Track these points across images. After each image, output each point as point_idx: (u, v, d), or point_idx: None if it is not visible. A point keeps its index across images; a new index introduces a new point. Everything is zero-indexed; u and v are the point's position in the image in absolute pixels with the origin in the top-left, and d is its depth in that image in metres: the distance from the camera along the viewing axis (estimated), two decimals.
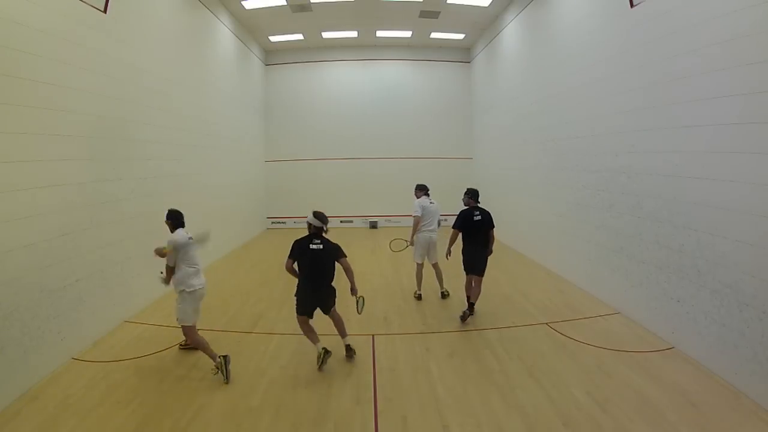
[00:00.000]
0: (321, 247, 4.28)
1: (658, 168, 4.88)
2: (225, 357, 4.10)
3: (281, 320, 5.55)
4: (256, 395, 3.84)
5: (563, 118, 7.35)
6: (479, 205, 5.57)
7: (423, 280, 6.44)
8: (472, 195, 5.60)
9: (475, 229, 5.42)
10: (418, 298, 6.39)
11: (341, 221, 13.57)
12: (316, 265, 4.27)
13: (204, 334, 5.06)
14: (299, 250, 4.27)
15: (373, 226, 13.47)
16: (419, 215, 6.22)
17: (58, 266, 4.43)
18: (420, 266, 6.41)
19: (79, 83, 4.84)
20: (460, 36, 12.39)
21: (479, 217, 5.42)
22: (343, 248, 4.41)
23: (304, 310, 4.31)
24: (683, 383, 3.86)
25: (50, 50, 4.39)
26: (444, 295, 6.36)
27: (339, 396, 3.83)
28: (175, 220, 4.41)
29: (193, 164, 8.04)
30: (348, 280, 4.45)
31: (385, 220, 13.59)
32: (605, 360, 4.36)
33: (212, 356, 4.13)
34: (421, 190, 6.43)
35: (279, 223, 13.59)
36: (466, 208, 5.55)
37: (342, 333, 4.51)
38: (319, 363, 4.25)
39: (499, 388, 3.90)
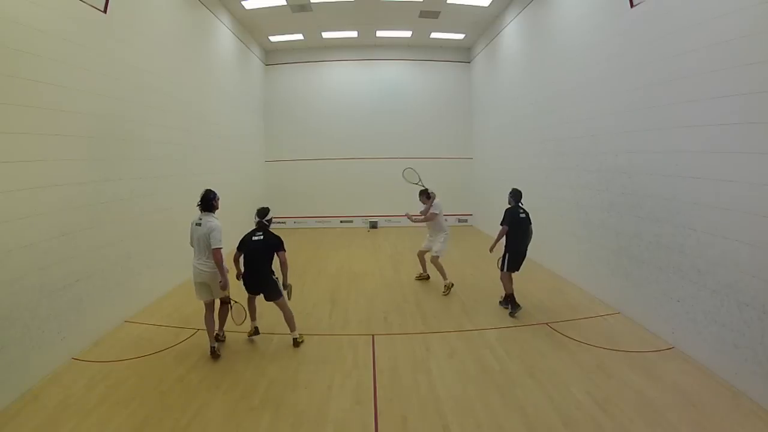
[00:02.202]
0: (261, 238, 4.71)
1: (658, 168, 4.88)
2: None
3: (281, 320, 5.53)
4: (256, 395, 3.84)
5: (563, 118, 7.35)
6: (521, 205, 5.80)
7: (425, 281, 6.76)
8: (515, 195, 5.80)
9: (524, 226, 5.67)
10: (449, 288, 6.62)
11: (341, 221, 13.58)
12: (252, 255, 4.69)
13: (203, 335, 5.09)
14: (243, 242, 4.76)
15: (373, 226, 13.47)
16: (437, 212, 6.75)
17: (58, 266, 4.43)
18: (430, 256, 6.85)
19: (79, 83, 4.83)
20: (460, 36, 12.38)
21: (524, 215, 5.67)
22: (284, 242, 4.74)
23: (247, 290, 4.88)
24: (683, 383, 3.86)
25: (50, 50, 4.39)
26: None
27: (339, 396, 3.83)
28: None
29: (193, 164, 8.03)
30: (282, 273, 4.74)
31: (385, 220, 13.58)
32: (605, 360, 4.36)
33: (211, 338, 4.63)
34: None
35: (279, 223, 13.58)
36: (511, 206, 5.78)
37: (290, 327, 4.89)
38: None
39: (499, 388, 3.90)
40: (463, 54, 13.53)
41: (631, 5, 5.32)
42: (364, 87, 13.55)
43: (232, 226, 10.55)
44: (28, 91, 4.09)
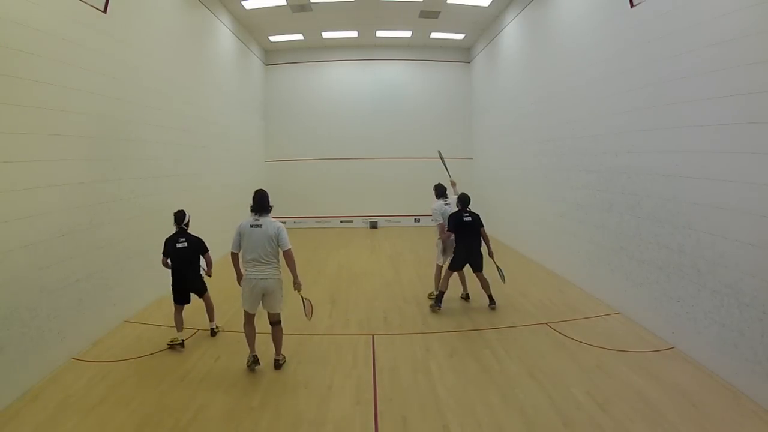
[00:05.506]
0: (186, 245, 4.84)
1: (658, 168, 4.88)
2: (254, 356, 4.26)
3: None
4: (256, 395, 3.84)
5: (563, 118, 7.35)
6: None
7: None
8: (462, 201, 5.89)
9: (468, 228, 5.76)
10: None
11: (341, 221, 13.58)
12: (181, 261, 4.84)
13: (204, 335, 5.10)
14: (168, 247, 4.85)
15: (373, 226, 13.47)
16: (440, 222, 5.95)
17: (58, 266, 4.42)
18: (438, 267, 6.09)
19: (79, 83, 4.83)
20: (460, 36, 12.38)
21: (469, 218, 5.76)
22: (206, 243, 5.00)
23: (177, 299, 4.90)
24: (683, 383, 3.86)
25: (50, 50, 4.39)
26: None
27: (339, 396, 3.83)
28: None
29: (193, 164, 8.04)
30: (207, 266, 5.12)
31: (385, 220, 13.58)
32: (605, 360, 4.36)
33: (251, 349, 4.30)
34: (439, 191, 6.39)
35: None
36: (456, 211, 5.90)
37: (210, 317, 5.15)
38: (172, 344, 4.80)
39: (499, 388, 3.90)
40: (463, 54, 13.53)
41: (631, 5, 5.32)
42: (364, 87, 13.55)
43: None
44: (28, 91, 4.08)
